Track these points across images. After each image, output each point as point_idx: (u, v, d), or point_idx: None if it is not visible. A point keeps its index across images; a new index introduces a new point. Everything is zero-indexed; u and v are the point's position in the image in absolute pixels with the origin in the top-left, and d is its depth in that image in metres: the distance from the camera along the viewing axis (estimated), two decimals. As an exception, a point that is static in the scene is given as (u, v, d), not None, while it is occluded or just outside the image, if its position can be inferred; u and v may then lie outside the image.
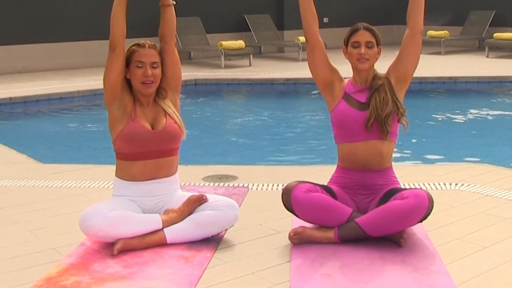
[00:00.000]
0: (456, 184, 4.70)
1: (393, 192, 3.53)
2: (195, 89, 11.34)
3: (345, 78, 3.77)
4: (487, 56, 14.20)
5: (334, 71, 3.75)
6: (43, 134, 8.48)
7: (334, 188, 3.64)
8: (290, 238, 3.54)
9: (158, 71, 3.61)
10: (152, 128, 3.58)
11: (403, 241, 3.46)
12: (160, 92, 3.66)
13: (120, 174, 3.65)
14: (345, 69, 3.79)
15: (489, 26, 15.72)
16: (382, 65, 3.75)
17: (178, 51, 3.77)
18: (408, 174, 4.94)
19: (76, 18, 13.33)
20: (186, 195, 3.68)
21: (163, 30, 3.70)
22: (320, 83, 3.74)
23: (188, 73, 11.58)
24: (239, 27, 15.43)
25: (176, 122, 3.64)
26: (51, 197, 4.58)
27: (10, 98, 9.87)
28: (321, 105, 8.91)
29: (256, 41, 15.26)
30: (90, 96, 10.32)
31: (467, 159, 6.44)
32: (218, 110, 10.51)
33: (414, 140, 7.15)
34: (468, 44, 16.23)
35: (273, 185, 4.78)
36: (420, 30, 3.68)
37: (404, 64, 3.69)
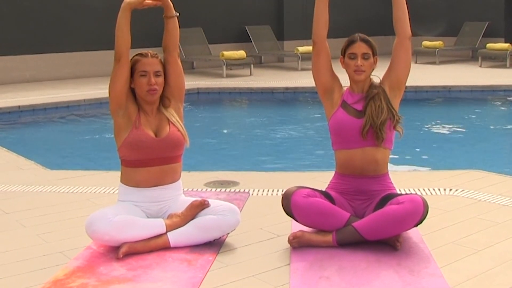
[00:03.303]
0: (450, 190, 4.70)
1: (389, 197, 3.53)
2: (197, 97, 11.36)
3: (344, 86, 3.77)
4: (480, 66, 14.21)
5: (335, 77, 3.75)
6: (51, 141, 8.49)
7: (332, 193, 3.65)
8: (290, 241, 3.54)
9: (161, 79, 3.62)
10: (156, 136, 3.59)
11: (399, 244, 3.46)
12: (163, 101, 3.67)
13: (125, 180, 3.65)
14: (341, 78, 3.79)
15: (482, 36, 15.73)
16: (378, 75, 3.76)
17: (181, 61, 3.77)
18: (403, 180, 4.95)
19: (82, 29, 13.37)
20: (189, 200, 3.68)
21: (166, 41, 3.71)
22: (321, 88, 3.74)
23: (191, 82, 11.60)
24: (240, 38, 15.46)
25: (179, 130, 3.65)
26: (58, 202, 4.58)
27: (19, 107, 9.89)
28: (319, 113, 8.94)
29: (257, 51, 15.28)
30: (96, 104, 10.34)
31: (461, 165, 6.44)
32: (220, 118, 10.52)
33: (409, 147, 7.15)
34: (462, 54, 16.24)
35: (273, 191, 4.78)
36: (408, 36, 3.68)
37: (396, 72, 3.69)
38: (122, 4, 3.54)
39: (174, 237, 3.52)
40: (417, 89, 11.04)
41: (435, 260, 3.33)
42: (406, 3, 3.71)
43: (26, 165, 5.89)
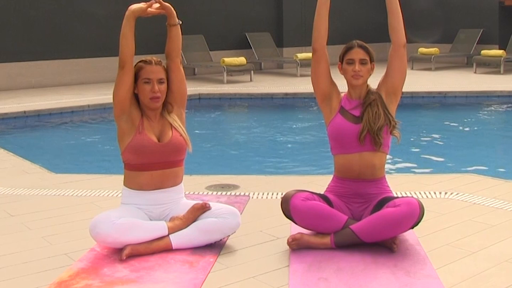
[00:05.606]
0: (445, 193, 4.70)
1: (386, 200, 3.54)
2: (199, 103, 11.37)
3: (341, 92, 3.78)
4: (475, 72, 14.23)
5: (334, 84, 3.76)
6: (55, 145, 8.49)
7: (331, 196, 3.65)
8: (289, 244, 3.54)
9: (164, 86, 3.63)
10: (159, 141, 3.60)
11: (395, 246, 3.46)
12: (166, 107, 3.68)
13: (128, 184, 3.65)
14: (340, 84, 3.80)
15: (477, 43, 15.75)
16: (376, 81, 3.77)
17: (183, 67, 3.78)
18: (400, 183, 4.95)
19: (87, 36, 13.39)
20: (191, 203, 3.69)
21: (169, 48, 3.71)
22: (320, 95, 3.74)
23: (193, 88, 11.61)
24: (240, 45, 15.49)
25: (181, 135, 3.65)
26: (63, 205, 4.58)
27: (24, 112, 9.90)
28: (318, 118, 8.94)
29: (257, 58, 15.30)
30: (100, 110, 10.35)
31: (456, 169, 6.45)
32: (221, 123, 10.53)
33: (406, 151, 7.16)
34: (457, 61, 16.26)
35: (272, 194, 4.78)
36: (402, 43, 3.68)
37: (392, 78, 3.70)
38: (126, 13, 3.55)
39: (176, 239, 3.52)
40: (413, 95, 11.06)
41: (431, 261, 3.34)
42: (401, 11, 3.72)
43: (32, 169, 5.90)
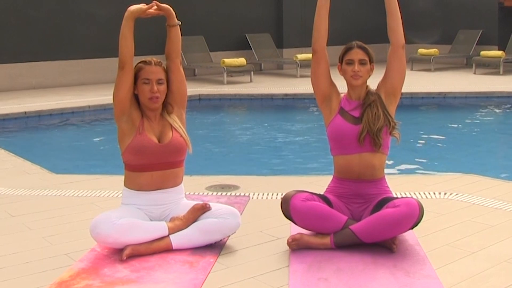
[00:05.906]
0: (445, 193, 4.70)
1: (386, 200, 3.54)
2: (199, 104, 11.38)
3: (341, 93, 3.78)
4: (474, 73, 14.23)
5: (333, 85, 3.76)
6: (56, 146, 8.50)
7: (330, 197, 3.65)
8: (289, 244, 3.54)
9: (163, 87, 3.63)
10: (159, 142, 3.60)
11: (395, 247, 3.47)
12: (166, 107, 3.68)
13: (128, 184, 3.66)
14: (339, 85, 3.80)
15: (476, 44, 15.75)
16: (376, 82, 3.77)
17: (183, 68, 3.78)
18: (400, 184, 4.95)
19: (87, 37, 13.39)
20: (191, 203, 3.69)
21: (169, 49, 3.72)
22: (320, 96, 3.74)
23: (193, 89, 11.61)
24: (240, 46, 15.49)
25: (181, 136, 3.65)
26: (63, 206, 4.58)
27: (25, 112, 9.90)
28: (317, 118, 8.95)
29: (257, 59, 15.30)
30: (101, 110, 10.35)
31: (456, 169, 6.45)
32: (221, 123, 10.53)
33: (405, 152, 7.16)
34: (456, 62, 16.26)
35: (272, 194, 4.78)
36: (401, 44, 3.67)
37: (391, 79, 3.70)
38: (125, 13, 3.55)
39: (176, 239, 3.52)
40: (413, 96, 11.07)
41: (431, 262, 3.34)
42: (401, 12, 3.72)
43: (32, 169, 5.90)
